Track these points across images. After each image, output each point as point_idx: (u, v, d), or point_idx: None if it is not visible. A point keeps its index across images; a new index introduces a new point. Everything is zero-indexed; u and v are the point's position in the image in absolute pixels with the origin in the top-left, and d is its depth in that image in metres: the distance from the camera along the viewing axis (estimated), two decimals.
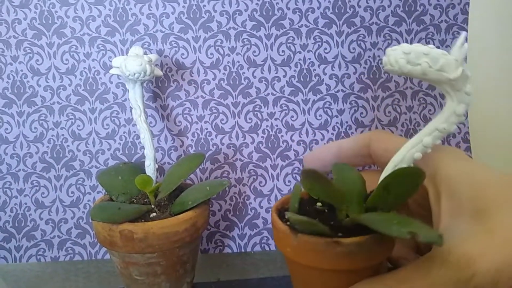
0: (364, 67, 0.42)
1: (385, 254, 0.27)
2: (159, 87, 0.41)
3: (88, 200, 0.41)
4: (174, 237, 0.30)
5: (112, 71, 0.35)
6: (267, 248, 0.42)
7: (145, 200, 0.34)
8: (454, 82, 0.24)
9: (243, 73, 0.41)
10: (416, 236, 0.21)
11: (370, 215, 0.26)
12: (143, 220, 0.31)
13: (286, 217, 0.27)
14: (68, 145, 0.41)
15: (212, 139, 0.42)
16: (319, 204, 0.31)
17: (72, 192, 0.41)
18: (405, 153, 0.27)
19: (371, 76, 0.42)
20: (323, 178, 0.26)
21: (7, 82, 0.40)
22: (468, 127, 0.43)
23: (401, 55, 0.24)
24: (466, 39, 0.25)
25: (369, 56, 0.42)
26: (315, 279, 0.27)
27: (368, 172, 0.35)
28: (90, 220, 0.39)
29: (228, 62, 0.41)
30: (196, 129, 0.42)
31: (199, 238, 0.35)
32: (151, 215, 0.32)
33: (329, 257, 0.25)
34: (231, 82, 0.41)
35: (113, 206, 0.31)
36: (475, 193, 0.24)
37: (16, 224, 0.40)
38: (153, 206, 0.33)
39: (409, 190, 0.26)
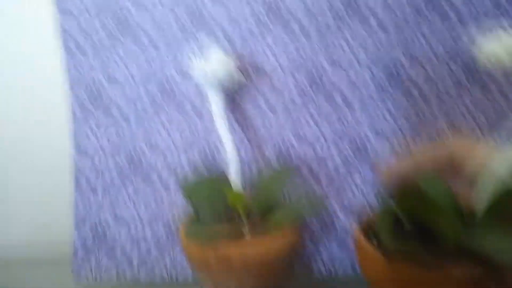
0: None
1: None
2: (239, 94, 0.38)
3: (168, 216, 0.38)
4: (271, 261, 0.27)
5: (193, 77, 0.33)
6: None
7: (233, 215, 0.31)
8: None
9: (327, 76, 0.38)
10: None
11: (494, 240, 0.23)
12: (236, 242, 0.28)
13: (373, 240, 0.25)
14: (146, 157, 0.39)
15: (294, 149, 0.38)
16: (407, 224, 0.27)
17: (151, 207, 0.39)
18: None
19: None
20: (422, 196, 0.23)
21: (84, 92, 0.39)
22: None
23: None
24: None
25: None
26: None
27: None
28: (175, 238, 0.37)
29: (311, 65, 0.37)
30: (277, 139, 0.38)
31: (295, 261, 0.32)
32: (245, 235, 0.29)
33: None
34: (314, 87, 0.38)
35: (205, 226, 0.28)
36: None
37: (96, 241, 0.39)
38: (246, 225, 0.30)
39: None
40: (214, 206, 0.31)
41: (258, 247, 0.27)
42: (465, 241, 0.22)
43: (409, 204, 0.24)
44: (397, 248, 0.23)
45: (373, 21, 0.37)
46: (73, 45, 0.38)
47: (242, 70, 0.38)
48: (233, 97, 0.38)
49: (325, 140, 0.38)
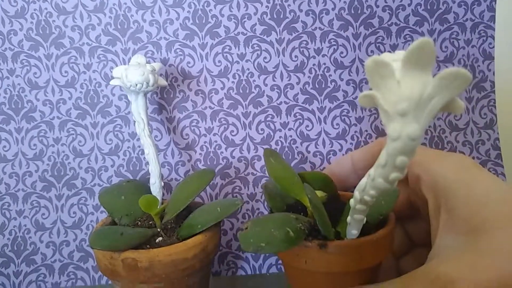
0: None
1: (378, 256, 0.26)
2: (164, 98, 0.39)
3: (91, 221, 0.38)
4: (182, 265, 0.27)
5: (112, 82, 0.33)
6: (283, 269, 0.38)
7: (150, 222, 0.32)
8: None
9: (254, 81, 0.39)
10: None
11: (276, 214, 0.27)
12: (148, 246, 0.28)
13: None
14: (69, 162, 0.38)
15: (222, 152, 0.39)
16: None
17: (74, 213, 0.38)
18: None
19: None
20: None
21: (4, 97, 0.38)
22: (498, 133, 0.40)
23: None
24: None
25: None
26: (309, 282, 0.27)
27: None
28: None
29: (237, 69, 0.38)
30: (205, 142, 0.39)
31: (210, 264, 0.32)
32: (157, 240, 0.29)
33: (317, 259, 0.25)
34: (241, 91, 0.39)
35: (114, 231, 0.28)
36: (471, 210, 0.22)
37: (15, 248, 0.38)
38: (158, 230, 0.30)
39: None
40: (128, 212, 0.31)
41: (167, 251, 0.27)
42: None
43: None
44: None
45: (299, 27, 0.38)
46: None
47: (168, 74, 0.38)
48: (159, 102, 0.39)
49: (252, 142, 0.39)
